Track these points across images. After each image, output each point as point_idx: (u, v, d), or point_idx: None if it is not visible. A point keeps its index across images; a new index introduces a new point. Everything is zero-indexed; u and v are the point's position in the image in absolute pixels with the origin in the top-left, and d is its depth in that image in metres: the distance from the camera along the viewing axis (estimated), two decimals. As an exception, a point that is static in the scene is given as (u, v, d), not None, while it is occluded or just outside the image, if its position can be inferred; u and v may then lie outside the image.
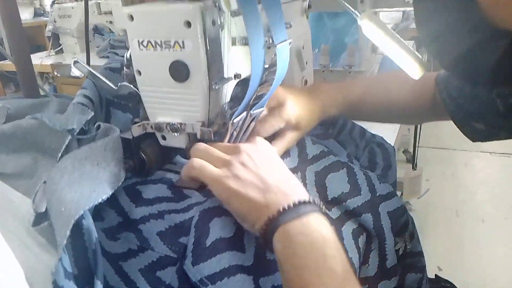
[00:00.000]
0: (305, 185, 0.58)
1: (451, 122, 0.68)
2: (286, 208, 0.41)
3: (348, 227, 0.56)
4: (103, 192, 0.43)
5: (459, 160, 2.61)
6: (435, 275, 0.79)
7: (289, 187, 0.44)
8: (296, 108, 0.61)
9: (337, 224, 0.56)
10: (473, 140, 0.66)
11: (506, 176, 2.48)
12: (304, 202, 0.42)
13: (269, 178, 0.44)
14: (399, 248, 0.61)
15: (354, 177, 0.59)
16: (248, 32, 0.40)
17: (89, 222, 0.41)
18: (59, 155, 0.45)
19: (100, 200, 0.42)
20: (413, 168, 1.48)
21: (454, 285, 0.79)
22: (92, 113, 0.52)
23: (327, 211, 0.45)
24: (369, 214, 0.56)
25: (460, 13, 0.37)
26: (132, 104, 0.53)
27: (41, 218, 0.40)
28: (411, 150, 2.34)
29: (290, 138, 0.60)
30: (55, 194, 0.39)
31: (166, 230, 0.47)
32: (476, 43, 0.37)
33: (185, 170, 0.48)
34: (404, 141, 2.41)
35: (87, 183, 0.42)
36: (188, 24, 0.43)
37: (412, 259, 0.63)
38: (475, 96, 0.60)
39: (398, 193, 2.03)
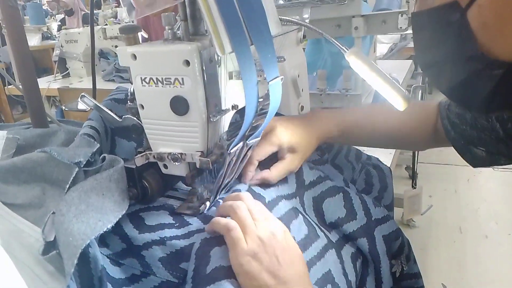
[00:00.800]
0: (303, 209, 0.61)
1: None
2: None
3: (348, 250, 0.58)
4: (108, 221, 0.46)
5: (461, 176, 2.61)
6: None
7: (298, 280, 0.46)
8: (287, 132, 0.64)
9: (339, 245, 0.58)
10: (474, 166, 0.67)
11: (509, 192, 2.48)
12: None
13: (283, 271, 0.46)
14: (396, 271, 0.62)
15: (350, 202, 0.62)
16: (241, 71, 0.43)
17: (95, 250, 0.44)
18: (67, 186, 0.48)
19: (105, 229, 0.45)
20: (412, 186, 1.49)
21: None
22: (98, 145, 0.55)
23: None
24: (364, 238, 0.58)
25: (457, 43, 0.39)
26: (136, 135, 0.56)
27: (50, 247, 0.42)
28: (413, 166, 2.35)
29: (289, 161, 0.62)
30: (63, 225, 0.42)
31: (168, 256, 0.50)
32: (472, 71, 0.39)
33: (221, 227, 0.48)
34: (406, 157, 2.42)
35: (93, 213, 0.45)
36: (187, 63, 0.46)
37: (409, 281, 0.64)
38: (476, 122, 0.61)
39: (400, 210, 2.05)
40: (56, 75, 2.28)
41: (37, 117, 0.83)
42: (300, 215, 0.58)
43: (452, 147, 0.68)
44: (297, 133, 0.65)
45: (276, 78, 0.47)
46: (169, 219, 0.55)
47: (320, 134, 0.69)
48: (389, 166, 0.81)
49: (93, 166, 0.51)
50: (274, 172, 0.61)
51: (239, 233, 0.47)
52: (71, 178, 0.48)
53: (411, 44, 3.24)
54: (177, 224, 0.54)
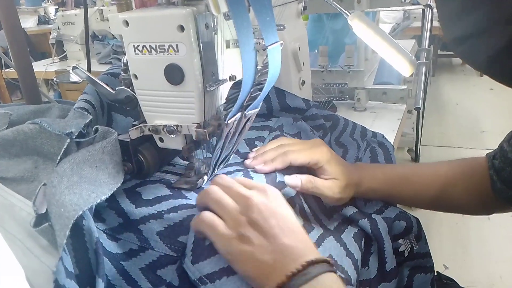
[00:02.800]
0: (303, 195, 0.59)
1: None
2: (295, 271, 0.39)
3: (350, 231, 0.57)
4: (102, 194, 0.44)
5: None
6: (437, 272, 0.79)
7: (298, 249, 0.42)
8: (332, 156, 0.59)
9: (338, 230, 0.57)
10: None
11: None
12: (313, 263, 0.40)
13: (279, 240, 0.42)
14: (404, 250, 0.61)
15: None
16: (238, 33, 0.41)
17: (89, 222, 0.42)
18: (58, 158, 0.47)
19: (99, 201, 0.43)
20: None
21: (456, 282, 0.79)
22: (91, 117, 0.53)
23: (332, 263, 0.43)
24: (365, 219, 0.57)
25: (490, 7, 0.34)
26: (130, 107, 0.54)
27: (41, 219, 0.41)
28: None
29: (330, 184, 0.58)
30: (54, 197, 0.40)
31: (165, 230, 0.48)
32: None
33: (195, 222, 0.46)
34: (409, 140, 2.40)
35: (86, 185, 0.43)
36: (181, 28, 0.44)
37: (420, 260, 0.63)
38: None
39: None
40: (54, 58, 2.26)
41: (31, 95, 0.81)
42: (297, 205, 0.57)
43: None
44: (341, 163, 0.60)
45: (275, 43, 0.45)
46: (166, 192, 0.53)
47: (363, 175, 0.62)
48: (392, 143, 0.80)
49: (86, 137, 0.49)
50: (318, 182, 0.56)
51: (213, 221, 0.44)
52: (63, 149, 0.46)
53: (414, 24, 3.20)
54: (174, 195, 0.52)
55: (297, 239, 0.43)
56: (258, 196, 0.45)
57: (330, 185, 0.57)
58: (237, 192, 0.46)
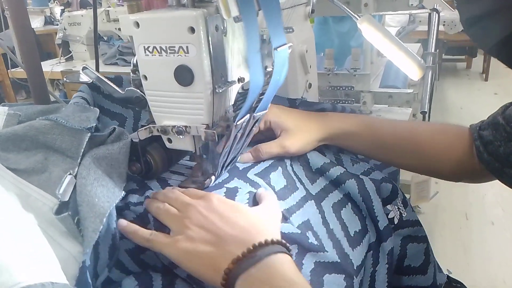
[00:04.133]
0: (290, 160, 0.61)
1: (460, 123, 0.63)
2: (241, 256, 0.40)
3: (330, 200, 0.58)
4: (120, 189, 0.47)
5: (468, 162, 2.58)
6: (447, 275, 0.79)
7: (246, 234, 0.43)
8: (276, 111, 0.62)
9: (319, 197, 0.58)
10: None
11: (517, 178, 2.45)
12: (262, 245, 0.41)
13: (220, 231, 0.43)
14: (393, 217, 0.61)
15: (331, 156, 0.65)
16: (246, 37, 0.41)
17: (111, 219, 0.44)
18: (82, 150, 0.48)
19: (122, 195, 0.46)
20: (420, 171, 1.46)
21: (465, 286, 0.79)
22: (98, 110, 0.54)
23: (288, 245, 0.44)
24: (353, 179, 0.58)
25: None
26: (139, 108, 0.54)
27: (63, 207, 0.43)
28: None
29: (281, 139, 0.60)
30: (86, 187, 0.43)
31: (134, 220, 0.50)
32: None
33: (143, 241, 0.46)
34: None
35: (108, 180, 0.46)
36: (192, 29, 0.44)
37: (411, 228, 0.63)
38: (508, 137, 0.55)
39: (406, 195, 2.03)
40: (60, 58, 2.27)
41: (40, 98, 0.82)
42: (279, 168, 0.58)
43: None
44: (292, 114, 0.62)
45: (283, 45, 0.45)
46: (132, 185, 0.55)
47: (328, 124, 0.61)
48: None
49: (99, 131, 0.51)
50: (263, 147, 0.59)
51: (153, 234, 0.46)
52: (85, 143, 0.48)
53: (420, 28, 3.19)
54: (139, 191, 0.54)
55: (241, 228, 0.43)
56: (200, 201, 0.47)
57: (278, 142, 0.60)
58: (181, 201, 0.48)
